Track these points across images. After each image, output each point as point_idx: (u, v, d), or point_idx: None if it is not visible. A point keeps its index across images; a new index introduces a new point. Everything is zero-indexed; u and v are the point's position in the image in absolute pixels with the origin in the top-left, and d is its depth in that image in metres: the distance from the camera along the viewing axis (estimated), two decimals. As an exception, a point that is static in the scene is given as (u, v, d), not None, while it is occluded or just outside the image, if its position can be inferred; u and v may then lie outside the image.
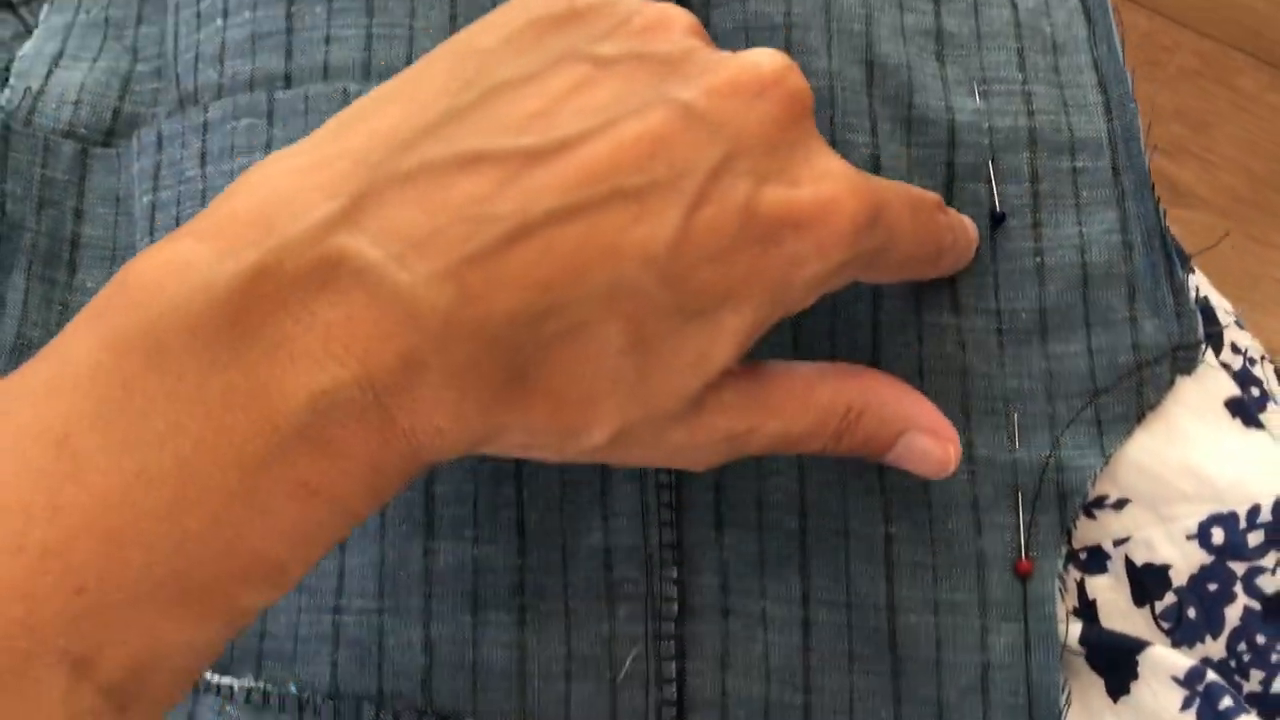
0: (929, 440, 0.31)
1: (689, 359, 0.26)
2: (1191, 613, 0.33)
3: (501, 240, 0.23)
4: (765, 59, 0.26)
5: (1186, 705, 0.32)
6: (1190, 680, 0.32)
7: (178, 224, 0.38)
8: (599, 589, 0.34)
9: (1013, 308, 0.35)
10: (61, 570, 0.21)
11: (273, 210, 0.23)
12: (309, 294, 0.23)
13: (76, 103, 0.41)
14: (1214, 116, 1.05)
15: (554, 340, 0.24)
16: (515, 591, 0.34)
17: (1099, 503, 0.34)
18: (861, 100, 0.36)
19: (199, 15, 0.39)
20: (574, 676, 0.34)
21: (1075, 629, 0.34)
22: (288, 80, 0.37)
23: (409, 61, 0.36)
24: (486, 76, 0.25)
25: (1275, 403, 0.38)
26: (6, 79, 0.41)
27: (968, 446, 0.34)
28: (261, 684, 0.35)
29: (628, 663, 0.34)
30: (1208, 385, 0.35)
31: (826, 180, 0.26)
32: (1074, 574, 0.35)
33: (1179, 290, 0.35)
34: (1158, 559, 0.34)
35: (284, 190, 0.24)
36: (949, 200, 0.36)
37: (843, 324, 0.35)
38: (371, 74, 0.37)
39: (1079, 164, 0.36)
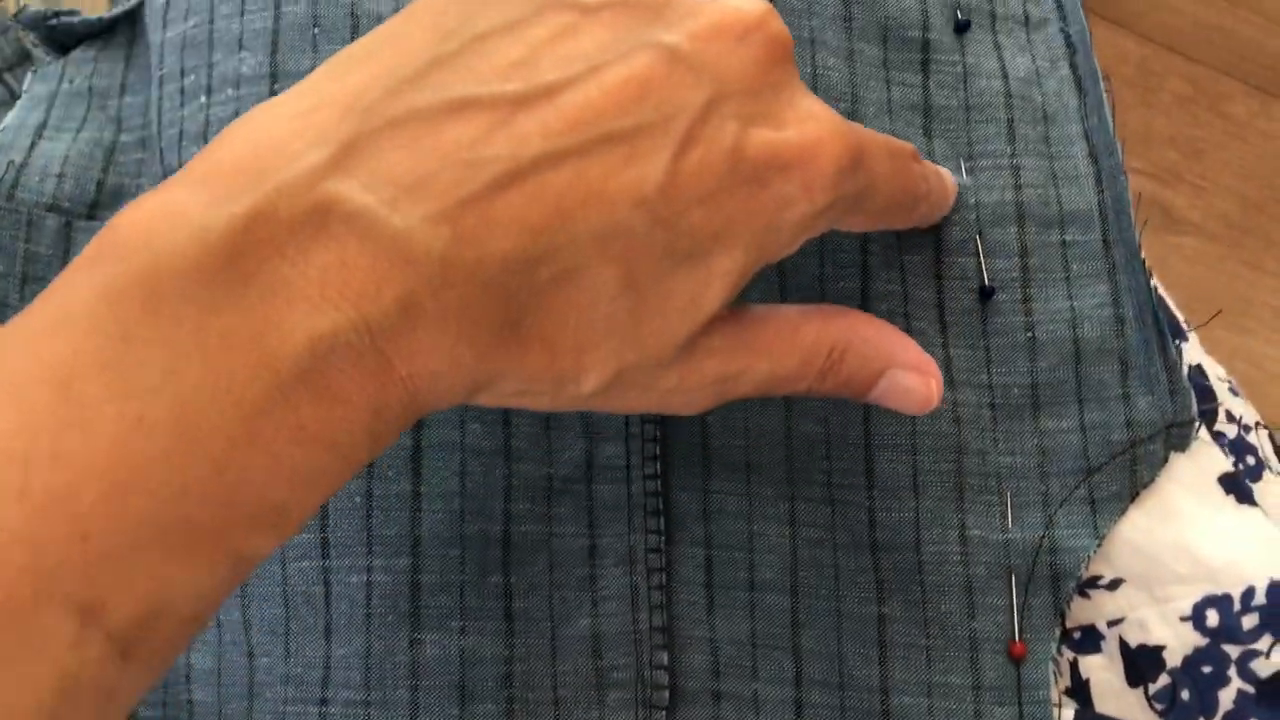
0: (912, 377, 0.30)
1: (681, 303, 0.26)
2: (1185, 695, 0.33)
3: (493, 184, 0.23)
4: (746, 3, 0.27)
5: (1182, 792, 0.32)
6: (1186, 767, 0.32)
7: None
8: (588, 677, 0.34)
9: (1005, 382, 0.35)
10: (65, 517, 0.20)
11: (263, 157, 0.23)
12: (304, 239, 0.23)
13: (60, 175, 0.40)
14: (1206, 143, 1.04)
15: (548, 286, 0.24)
16: (503, 683, 0.33)
17: (1093, 582, 0.34)
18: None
19: (182, 91, 0.39)
20: None
21: (1069, 713, 0.33)
22: None
23: None
24: (470, 25, 0.26)
25: (1270, 471, 0.38)
26: (-11, 153, 0.41)
27: (960, 527, 0.34)
28: (249, 773, 0.34)
29: None
30: (1201, 462, 0.35)
31: (810, 122, 0.27)
32: (1067, 654, 0.34)
33: (1172, 367, 0.34)
34: (1152, 640, 0.33)
35: (274, 138, 0.24)
36: (939, 274, 0.36)
37: (835, 403, 0.35)
38: None
39: (1069, 237, 0.36)
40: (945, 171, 0.35)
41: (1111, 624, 0.34)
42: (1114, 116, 0.37)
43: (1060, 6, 0.38)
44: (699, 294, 0.26)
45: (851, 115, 0.36)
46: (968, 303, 0.35)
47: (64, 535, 0.20)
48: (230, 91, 0.38)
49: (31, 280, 0.39)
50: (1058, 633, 0.34)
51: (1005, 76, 0.37)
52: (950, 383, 0.35)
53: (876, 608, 0.34)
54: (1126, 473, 0.34)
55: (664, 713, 0.34)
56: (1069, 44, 0.38)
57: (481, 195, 0.23)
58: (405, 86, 0.24)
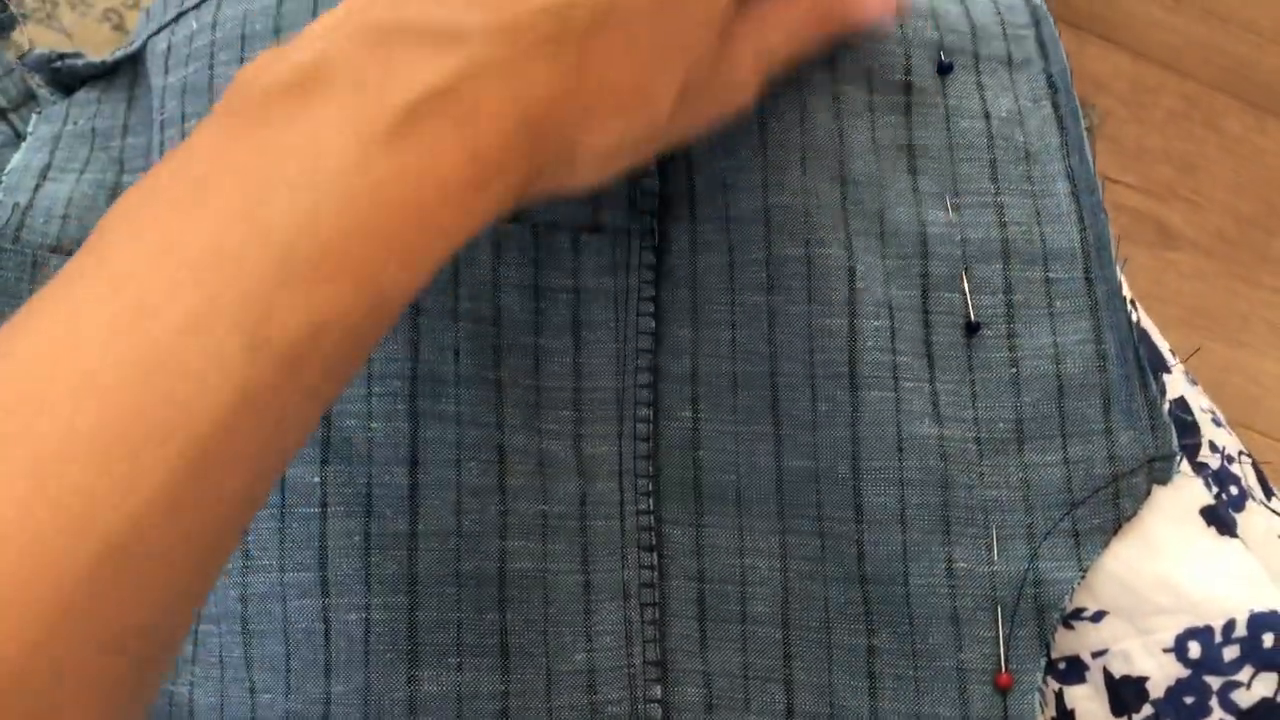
0: None
1: (701, 4, 0.30)
2: (1170, 725, 0.34)
3: None
4: None
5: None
6: (1169, 797, 0.33)
7: None
8: (583, 711, 0.34)
9: (990, 417, 0.36)
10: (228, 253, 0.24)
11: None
12: (380, 42, 0.27)
13: (64, 217, 0.41)
14: (1201, 159, 1.05)
15: (589, 30, 0.28)
16: (499, 718, 0.34)
17: (1077, 614, 0.35)
18: (837, 215, 0.36)
19: (183, 135, 0.40)
20: None
21: (1055, 743, 0.34)
22: None
23: None
24: None
25: (1253, 500, 0.39)
26: (-5, 195, 0.42)
27: (947, 560, 0.35)
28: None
29: None
30: (1183, 495, 0.35)
31: None
32: (1053, 684, 0.35)
33: (1153, 402, 0.35)
34: (1135, 671, 0.34)
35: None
36: (925, 309, 0.36)
37: (824, 415, 0.36)
38: None
39: (1052, 274, 0.36)
40: None
41: (1096, 655, 0.35)
42: (1094, 155, 0.38)
43: (1042, 46, 0.39)
44: None
45: (839, 153, 0.37)
46: (954, 338, 0.36)
47: (228, 268, 0.24)
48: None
49: (37, 321, 0.40)
50: (1043, 663, 0.34)
51: (987, 116, 0.38)
52: (937, 417, 0.36)
53: (866, 639, 0.35)
54: (1109, 506, 0.35)
55: (657, 745, 0.35)
56: (1050, 84, 0.38)
57: None
58: None
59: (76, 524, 0.22)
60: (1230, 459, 0.39)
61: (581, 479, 0.36)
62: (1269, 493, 0.40)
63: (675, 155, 0.38)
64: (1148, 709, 0.34)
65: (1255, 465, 0.40)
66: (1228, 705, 0.33)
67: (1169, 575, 0.34)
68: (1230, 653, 0.33)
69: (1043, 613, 0.34)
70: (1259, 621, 0.34)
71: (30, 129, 0.45)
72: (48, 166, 0.43)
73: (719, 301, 0.37)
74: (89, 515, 0.22)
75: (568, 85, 0.28)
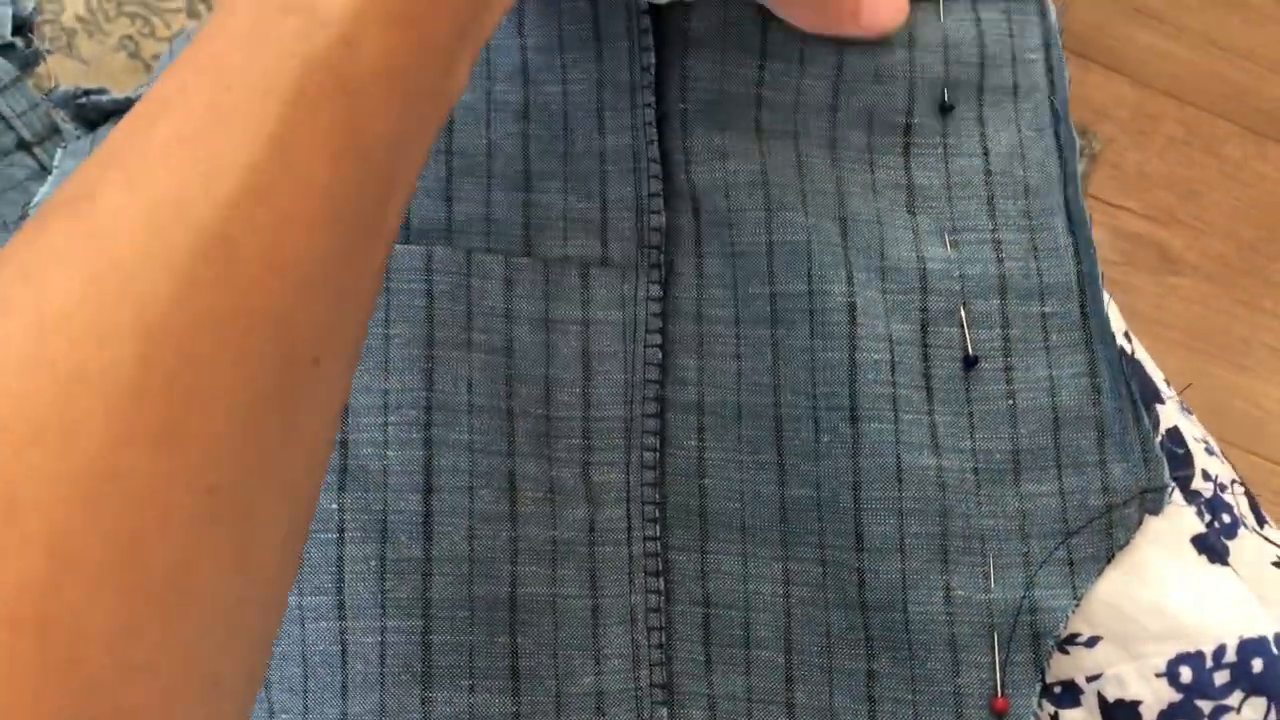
0: None
1: None
2: (1162, 748, 0.35)
3: None
4: None
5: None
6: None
7: None
8: None
9: (987, 448, 0.37)
10: None
11: None
12: None
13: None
14: (1202, 184, 1.06)
15: None
16: None
17: (1072, 639, 0.36)
18: (837, 252, 0.37)
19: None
20: None
21: (1050, 765, 0.35)
22: None
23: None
24: None
25: (1245, 528, 0.40)
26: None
27: (945, 587, 0.36)
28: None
29: None
30: (1175, 524, 0.36)
31: None
32: (1048, 708, 0.36)
33: (1145, 437, 0.36)
34: (1129, 695, 0.35)
35: None
36: (925, 343, 0.37)
37: (826, 445, 0.37)
38: None
39: (1048, 309, 0.37)
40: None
41: (1090, 679, 0.36)
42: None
43: (1050, 73, 0.40)
44: None
45: (836, 194, 0.38)
46: (952, 371, 0.37)
47: None
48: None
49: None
50: (1038, 688, 0.35)
51: (986, 154, 0.39)
52: (936, 448, 0.37)
53: (866, 664, 0.36)
54: (1103, 535, 0.36)
55: (663, 766, 0.36)
56: (1054, 111, 0.39)
57: None
58: None
59: (168, 214, 0.22)
60: (1223, 487, 0.40)
61: (590, 506, 0.37)
62: (1261, 520, 0.41)
63: (680, 192, 0.39)
64: (1141, 733, 0.35)
65: (1248, 493, 0.41)
66: (1218, 729, 0.34)
67: (1161, 602, 0.35)
68: (1221, 678, 0.34)
69: (1038, 639, 0.35)
70: (1249, 647, 0.35)
71: (55, 163, 0.46)
72: (73, 200, 0.44)
73: (724, 334, 0.38)
74: (181, 203, 0.22)
75: None
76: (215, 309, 0.22)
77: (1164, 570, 0.36)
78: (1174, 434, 0.40)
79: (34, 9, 0.51)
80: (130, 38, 1.01)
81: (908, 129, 0.39)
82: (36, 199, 0.44)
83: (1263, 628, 0.35)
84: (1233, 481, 0.41)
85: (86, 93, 0.47)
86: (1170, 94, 1.08)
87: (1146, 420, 0.36)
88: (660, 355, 0.38)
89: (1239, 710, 0.34)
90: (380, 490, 0.36)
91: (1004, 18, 0.40)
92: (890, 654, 0.36)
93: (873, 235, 0.38)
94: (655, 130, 0.39)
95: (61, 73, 1.00)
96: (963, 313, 0.37)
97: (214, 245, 0.22)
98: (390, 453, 0.36)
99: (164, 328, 0.22)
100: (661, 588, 0.37)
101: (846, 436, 0.36)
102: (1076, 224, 0.38)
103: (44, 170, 0.47)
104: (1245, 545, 0.39)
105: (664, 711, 0.36)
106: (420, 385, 0.36)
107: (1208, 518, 0.38)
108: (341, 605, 0.36)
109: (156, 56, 1.01)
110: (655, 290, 0.39)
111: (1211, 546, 0.36)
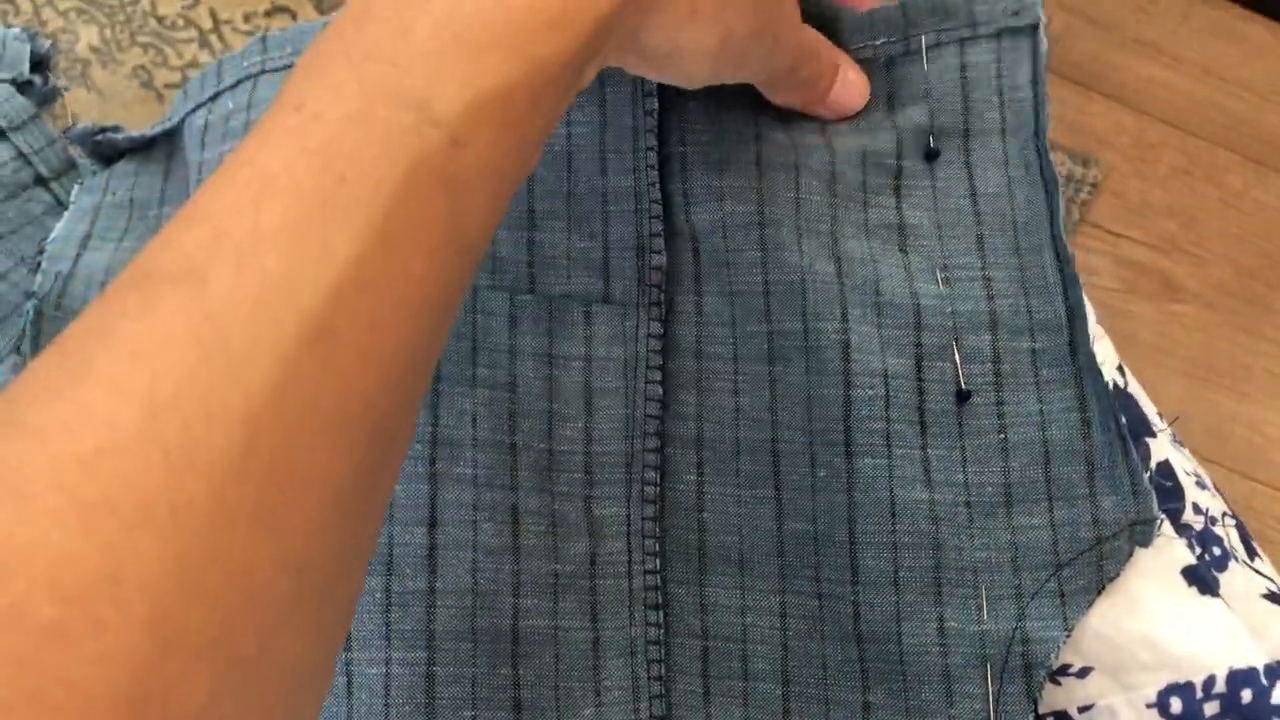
0: (855, 74, 0.40)
1: None
2: (1153, 778, 0.35)
3: None
4: None
5: None
6: None
7: None
8: None
9: (979, 481, 0.37)
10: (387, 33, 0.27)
11: None
12: None
13: (104, 284, 0.43)
14: (1203, 213, 1.07)
15: None
16: None
17: (1064, 671, 0.36)
18: (832, 290, 0.38)
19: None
20: None
21: (1043, 796, 0.36)
22: None
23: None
24: None
25: (1235, 561, 0.40)
26: (39, 264, 0.44)
27: (939, 619, 0.36)
28: None
29: None
30: (1165, 556, 0.37)
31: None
32: (1042, 738, 0.37)
33: (1134, 470, 0.37)
34: (1120, 726, 0.36)
35: None
36: (919, 377, 0.38)
37: (822, 480, 0.37)
38: None
39: (1038, 345, 0.38)
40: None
41: (1082, 710, 0.36)
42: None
43: (1037, 111, 0.41)
44: None
45: (830, 234, 0.39)
46: (945, 405, 0.38)
47: (386, 42, 0.26)
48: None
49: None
50: (1031, 718, 0.36)
51: (974, 195, 0.40)
52: (928, 482, 0.37)
53: (862, 695, 0.36)
54: (1093, 567, 0.36)
55: (662, 796, 0.36)
56: (1038, 150, 0.40)
57: None
58: None
59: (278, 299, 0.23)
60: (1213, 520, 0.41)
61: (591, 539, 0.38)
62: (1252, 553, 0.41)
63: (681, 232, 0.40)
64: (1132, 763, 0.35)
65: (1239, 526, 0.42)
66: (1207, 760, 0.35)
67: (1151, 633, 0.36)
68: (1211, 708, 0.35)
69: (1030, 670, 0.36)
70: (1238, 678, 0.35)
71: (72, 199, 0.47)
72: (88, 236, 0.45)
73: (723, 371, 0.39)
74: (290, 289, 0.23)
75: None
76: (317, 398, 0.23)
77: (1154, 601, 0.36)
78: (1165, 467, 0.41)
79: (51, 46, 0.52)
80: (143, 67, 1.03)
81: (899, 171, 0.40)
82: (53, 235, 0.45)
83: (1253, 659, 0.36)
84: (1224, 514, 0.42)
85: (103, 130, 0.48)
86: (1171, 123, 1.09)
87: (1135, 454, 0.37)
88: (661, 391, 0.39)
89: (1228, 741, 0.35)
90: (386, 523, 0.37)
91: (993, 58, 0.41)
92: (885, 685, 0.36)
93: (867, 273, 0.38)
94: (657, 173, 0.40)
95: (75, 103, 1.01)
96: (955, 348, 0.38)
97: (319, 334, 0.23)
98: (396, 487, 0.37)
99: (269, 414, 0.22)
100: (661, 621, 0.38)
101: (841, 471, 0.37)
102: (1064, 260, 0.39)
103: (60, 205, 0.48)
104: (1236, 578, 0.40)
105: (663, 742, 0.37)
106: (425, 420, 0.37)
107: (1198, 550, 0.39)
108: (348, 637, 0.36)
109: (169, 86, 1.02)
110: (656, 328, 0.40)
111: (1202, 578, 0.37)
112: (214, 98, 0.45)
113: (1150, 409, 0.43)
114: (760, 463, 0.38)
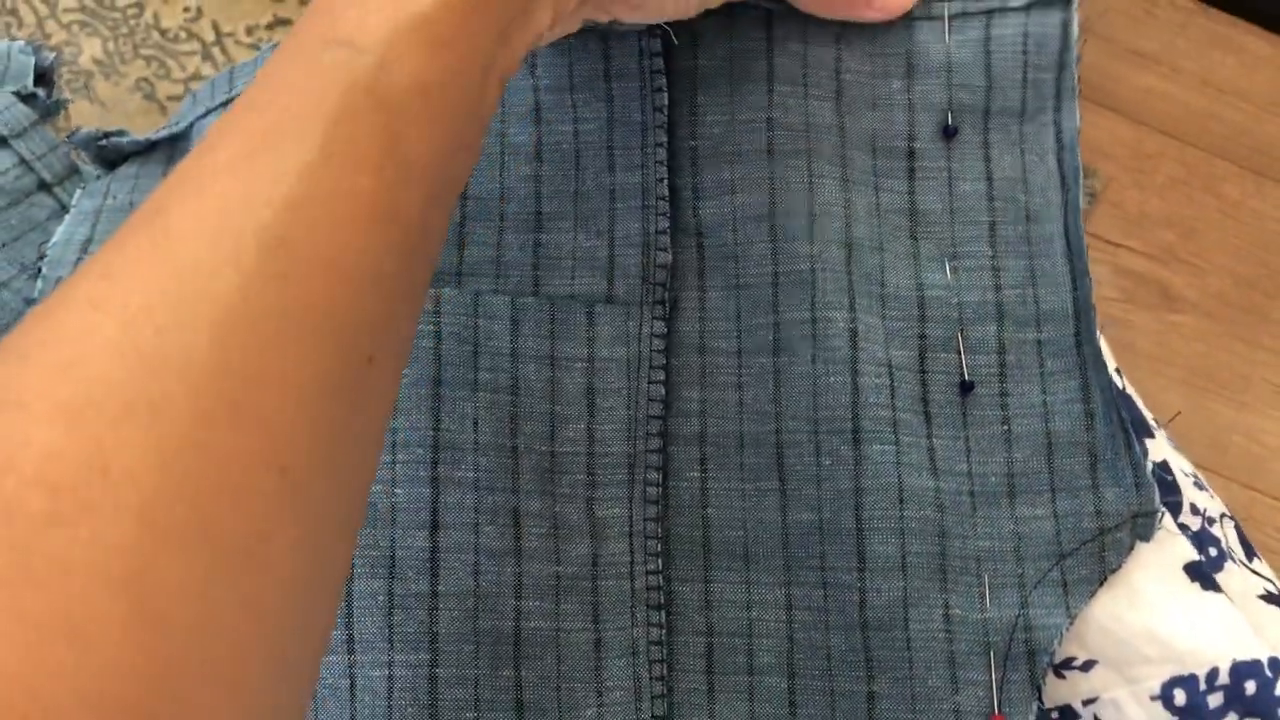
0: None
1: None
2: (1158, 771, 0.35)
3: None
4: None
5: None
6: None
7: None
8: None
9: (983, 471, 0.37)
10: None
11: None
12: None
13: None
14: (1201, 223, 1.08)
15: None
16: None
17: (1068, 664, 0.36)
18: (841, 279, 0.38)
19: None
20: None
21: (1048, 788, 0.35)
22: None
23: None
24: None
25: (1233, 561, 0.40)
26: (40, 269, 0.44)
27: (944, 606, 0.36)
28: None
29: None
30: (1167, 551, 0.37)
31: None
32: (1047, 732, 0.37)
33: (1137, 464, 0.37)
34: (1125, 718, 0.36)
35: None
36: (923, 369, 0.38)
37: (828, 469, 0.37)
38: None
39: (1044, 336, 0.38)
40: None
41: (1086, 703, 0.36)
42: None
43: (1058, 94, 0.40)
44: None
45: (843, 218, 0.39)
46: (950, 396, 0.38)
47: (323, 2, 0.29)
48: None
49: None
50: (1035, 707, 0.36)
51: (989, 179, 0.40)
52: (934, 471, 0.37)
53: (866, 685, 0.36)
54: (1096, 558, 0.36)
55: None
56: (1058, 139, 0.40)
57: None
58: None
59: (237, 216, 0.25)
60: (1211, 520, 0.41)
61: (593, 541, 0.38)
62: (1250, 553, 0.41)
63: (685, 228, 0.40)
64: (1136, 755, 0.35)
65: (1237, 527, 0.42)
66: (1212, 751, 0.35)
67: (1155, 626, 0.36)
68: (1214, 700, 0.35)
69: (1033, 657, 0.36)
70: (1242, 670, 0.35)
71: (74, 203, 0.47)
72: (89, 240, 0.45)
73: (726, 365, 0.39)
74: (247, 207, 0.25)
75: None
76: (280, 304, 0.25)
77: (1157, 595, 0.36)
78: (1163, 466, 0.41)
79: (55, 59, 0.52)
80: (146, 80, 1.03)
81: (911, 153, 0.40)
82: (54, 239, 0.45)
83: (1255, 651, 0.36)
84: (1221, 515, 0.42)
85: (106, 134, 0.48)
86: (1169, 134, 1.09)
87: (1138, 446, 0.37)
88: (663, 391, 0.39)
89: (1232, 732, 0.35)
90: (388, 527, 0.37)
91: (1020, 32, 0.41)
92: (890, 674, 0.36)
93: (875, 261, 0.39)
94: (666, 168, 0.40)
95: (78, 115, 1.01)
96: (960, 339, 0.38)
97: (277, 244, 0.25)
98: (398, 490, 0.37)
99: (235, 319, 0.24)
100: (663, 621, 0.38)
101: (848, 458, 0.37)
102: (1075, 252, 0.39)
103: (64, 209, 0.48)
104: (1233, 578, 0.39)
105: (667, 739, 0.37)
106: (427, 424, 0.37)
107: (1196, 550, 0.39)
108: (351, 640, 0.36)
109: (172, 98, 1.03)
110: (659, 327, 0.40)
111: (1204, 574, 0.37)
112: (225, 104, 0.45)
113: (1146, 412, 0.43)
114: (764, 455, 0.38)
